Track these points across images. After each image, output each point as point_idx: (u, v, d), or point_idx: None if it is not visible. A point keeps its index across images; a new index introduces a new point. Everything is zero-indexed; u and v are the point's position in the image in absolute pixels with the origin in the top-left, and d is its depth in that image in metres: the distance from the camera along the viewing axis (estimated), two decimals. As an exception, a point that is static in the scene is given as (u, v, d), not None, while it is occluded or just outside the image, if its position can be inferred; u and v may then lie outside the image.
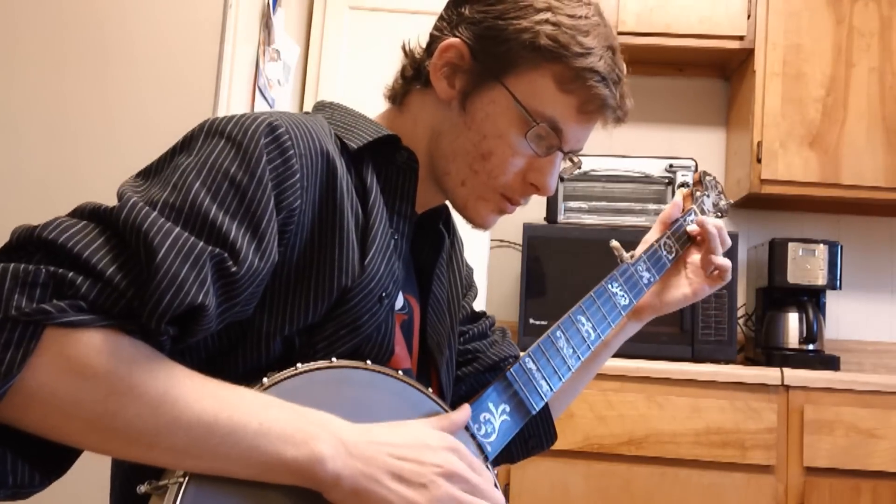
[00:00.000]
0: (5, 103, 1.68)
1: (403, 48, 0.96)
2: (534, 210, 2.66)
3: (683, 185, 2.47)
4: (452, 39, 0.88)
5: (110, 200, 0.71)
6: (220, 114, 1.67)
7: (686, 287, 1.13)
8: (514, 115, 0.86)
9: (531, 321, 2.35)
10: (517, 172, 0.89)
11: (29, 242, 0.65)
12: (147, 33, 1.70)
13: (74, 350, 0.63)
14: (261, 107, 1.96)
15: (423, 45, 0.94)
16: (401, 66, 0.95)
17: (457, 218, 1.00)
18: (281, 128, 0.77)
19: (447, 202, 0.97)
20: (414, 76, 0.93)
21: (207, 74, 1.68)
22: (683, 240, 1.14)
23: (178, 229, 0.67)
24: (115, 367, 0.64)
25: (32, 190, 1.65)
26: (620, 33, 2.58)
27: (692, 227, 1.14)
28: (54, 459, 0.68)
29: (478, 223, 0.93)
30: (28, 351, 0.61)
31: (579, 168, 0.96)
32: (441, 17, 0.93)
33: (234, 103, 1.75)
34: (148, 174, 0.76)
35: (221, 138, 0.75)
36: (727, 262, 1.11)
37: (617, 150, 2.81)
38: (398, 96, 0.95)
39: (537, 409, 0.96)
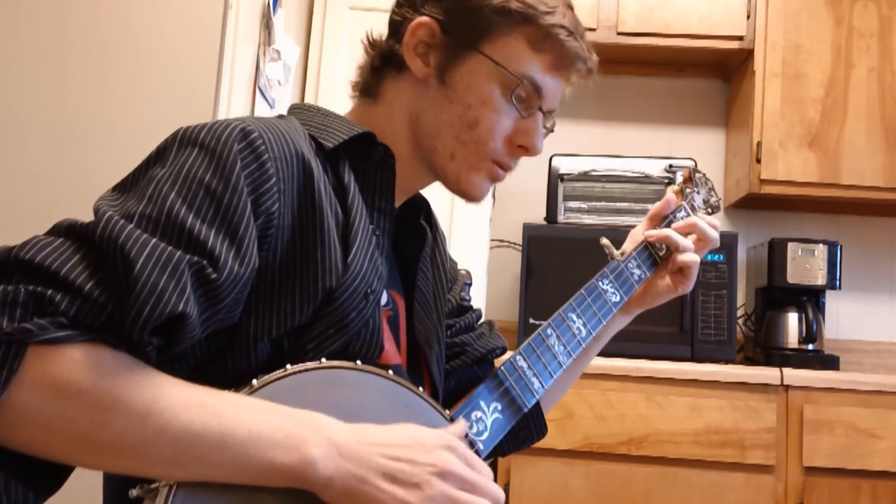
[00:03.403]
0: (5, 104, 1.68)
1: (367, 41, 0.97)
2: (534, 210, 2.67)
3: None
4: (422, 18, 0.90)
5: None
6: (221, 114, 1.67)
7: (670, 282, 1.13)
8: (495, 79, 0.89)
9: (531, 321, 2.35)
10: (505, 137, 0.91)
11: (7, 263, 0.66)
12: (147, 34, 1.70)
13: (58, 367, 0.63)
14: (261, 107, 1.96)
15: (384, 35, 0.96)
16: (368, 59, 0.96)
17: (451, 214, 1.00)
18: (254, 133, 0.77)
19: (438, 184, 0.97)
20: (385, 63, 0.94)
21: (207, 74, 1.68)
22: None
23: (154, 240, 0.67)
24: (99, 381, 0.64)
25: (32, 191, 1.65)
26: (620, 33, 2.59)
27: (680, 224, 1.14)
28: (48, 476, 0.68)
29: (472, 194, 0.94)
30: (12, 370, 0.61)
31: (552, 132, 0.98)
32: (399, 3, 0.95)
33: (234, 104, 1.75)
34: (124, 187, 0.76)
35: (195, 147, 0.76)
36: (685, 259, 1.09)
37: (616, 150, 2.81)
38: (371, 88, 0.95)
39: (529, 407, 0.96)
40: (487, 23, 0.89)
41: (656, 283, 1.13)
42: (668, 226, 1.14)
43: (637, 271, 1.10)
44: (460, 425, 0.85)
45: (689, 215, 1.17)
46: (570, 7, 0.93)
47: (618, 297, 1.07)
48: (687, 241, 1.11)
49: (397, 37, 0.93)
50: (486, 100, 0.89)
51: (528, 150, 0.93)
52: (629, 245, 1.12)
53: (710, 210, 1.23)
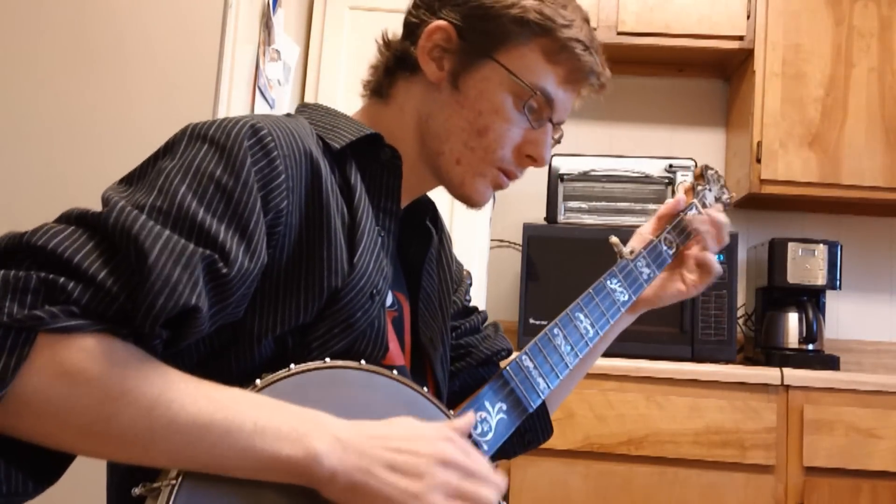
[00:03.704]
0: (5, 104, 1.68)
1: (383, 42, 0.97)
2: (534, 210, 2.67)
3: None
4: (439, 22, 0.90)
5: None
6: (221, 114, 1.67)
7: (680, 283, 1.13)
8: (508, 88, 0.89)
9: (531, 321, 2.35)
10: (513, 146, 0.91)
11: (18, 249, 0.65)
12: (147, 33, 1.70)
13: (68, 355, 0.63)
14: (261, 107, 1.96)
15: (399, 36, 0.95)
16: (382, 60, 0.96)
17: (451, 214, 1.00)
18: (263, 130, 0.77)
19: (441, 186, 0.97)
20: (398, 65, 0.94)
21: (207, 74, 1.68)
22: (684, 235, 1.14)
23: (167, 232, 0.67)
24: (109, 371, 0.64)
25: (32, 191, 1.65)
26: (620, 33, 2.59)
27: (694, 217, 1.14)
28: (48, 466, 0.68)
29: (474, 199, 0.94)
30: (21, 357, 0.61)
31: (559, 143, 0.98)
32: (416, 5, 0.95)
33: (234, 103, 1.75)
34: (131, 180, 0.76)
35: (205, 142, 0.76)
36: (709, 258, 1.11)
37: (617, 150, 2.81)
38: (383, 88, 0.95)
39: (534, 408, 0.96)
40: (505, 32, 0.89)
41: (666, 284, 1.13)
42: (679, 224, 1.13)
43: (646, 270, 1.09)
44: (467, 418, 0.85)
45: (699, 213, 1.16)
46: (587, 20, 0.93)
47: (626, 297, 1.07)
48: (713, 242, 1.12)
49: (412, 39, 0.92)
50: (498, 108, 0.89)
51: (536, 160, 0.93)
52: (638, 243, 1.11)
53: (721, 207, 1.22)
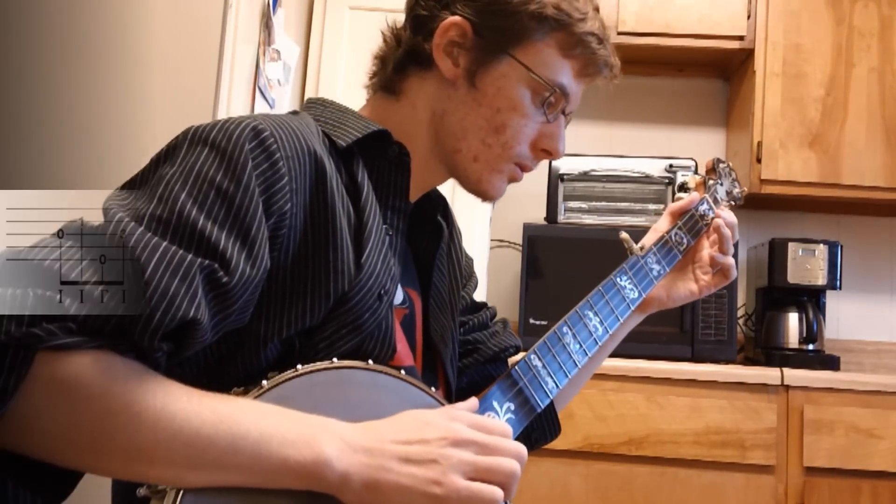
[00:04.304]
0: (4, 105, 1.68)
1: (391, 35, 0.95)
2: (534, 210, 2.67)
3: (682, 187, 2.47)
4: (454, 18, 0.88)
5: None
6: (221, 114, 1.67)
7: (692, 284, 1.13)
8: (526, 84, 0.88)
9: (531, 321, 2.35)
10: (530, 141, 0.91)
11: None
12: (146, 33, 1.69)
13: (67, 372, 0.62)
14: (261, 107, 1.96)
15: (407, 28, 0.93)
16: (391, 54, 0.94)
17: (457, 207, 0.99)
18: (265, 131, 0.76)
19: (453, 179, 0.96)
20: (410, 60, 0.92)
21: (207, 74, 1.68)
22: (695, 231, 1.13)
23: (165, 243, 0.67)
24: (110, 386, 0.63)
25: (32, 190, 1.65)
26: (620, 33, 2.58)
27: (715, 221, 1.14)
28: (56, 484, 0.67)
29: (490, 195, 0.94)
30: (21, 376, 0.61)
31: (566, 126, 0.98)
32: None
33: (234, 103, 1.75)
34: (133, 186, 0.75)
35: (205, 146, 0.75)
36: (731, 262, 1.11)
37: (617, 150, 2.81)
38: (393, 84, 0.94)
39: (542, 407, 0.95)
40: (522, 28, 0.88)
41: (678, 284, 1.12)
42: (690, 219, 1.12)
43: (656, 267, 1.08)
44: (469, 402, 0.84)
45: (710, 208, 1.15)
46: (598, 9, 0.93)
47: (636, 294, 1.06)
48: (730, 244, 1.12)
49: (425, 33, 0.90)
50: (517, 105, 0.89)
51: (552, 153, 0.93)
52: (649, 239, 1.10)
53: (732, 202, 1.20)
